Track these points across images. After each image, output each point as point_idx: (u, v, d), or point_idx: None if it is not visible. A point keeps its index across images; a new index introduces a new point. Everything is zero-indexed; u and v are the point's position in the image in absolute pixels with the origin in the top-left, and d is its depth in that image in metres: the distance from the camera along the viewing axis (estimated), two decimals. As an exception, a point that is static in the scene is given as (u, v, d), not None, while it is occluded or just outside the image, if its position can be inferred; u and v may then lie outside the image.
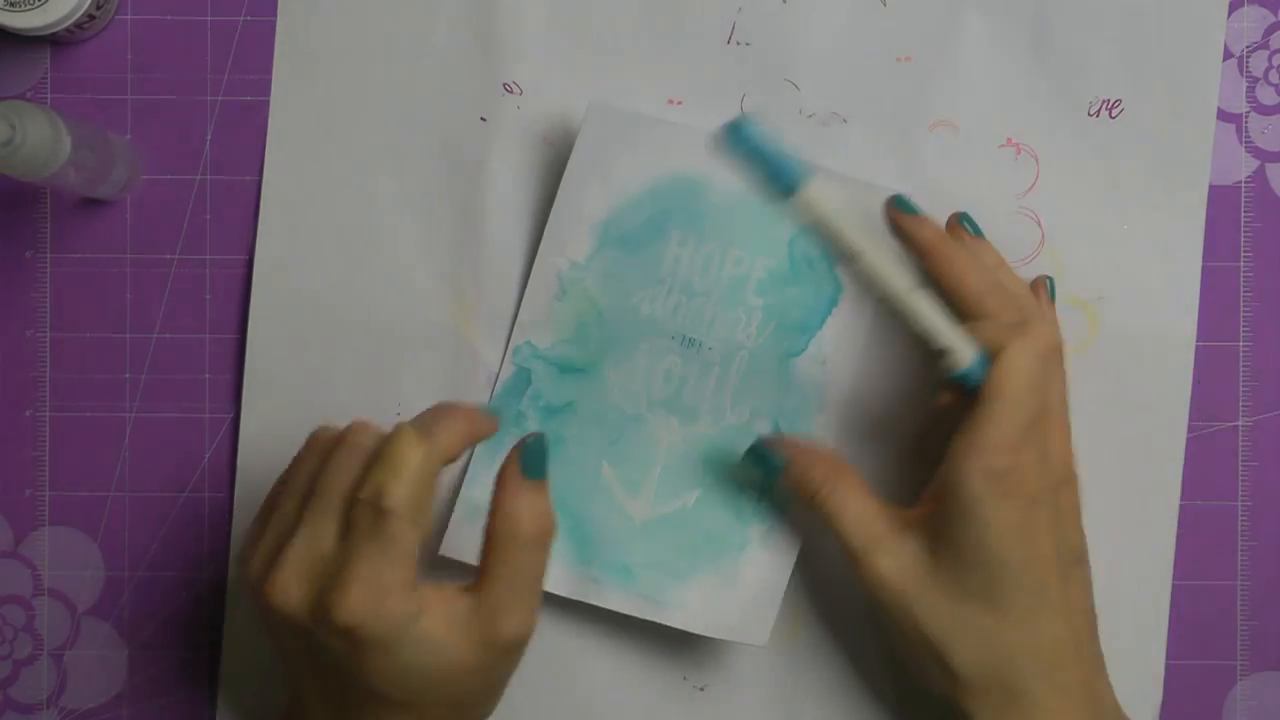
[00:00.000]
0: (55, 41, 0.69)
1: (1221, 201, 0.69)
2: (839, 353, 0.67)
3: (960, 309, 0.63)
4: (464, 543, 0.66)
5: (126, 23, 0.69)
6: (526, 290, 0.67)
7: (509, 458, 0.58)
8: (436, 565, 0.67)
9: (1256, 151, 0.69)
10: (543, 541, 0.57)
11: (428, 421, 0.57)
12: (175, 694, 0.69)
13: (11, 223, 0.69)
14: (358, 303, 0.69)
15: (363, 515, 0.55)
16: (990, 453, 0.59)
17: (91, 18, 0.66)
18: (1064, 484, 0.62)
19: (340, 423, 0.68)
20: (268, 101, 0.69)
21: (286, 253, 0.69)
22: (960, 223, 0.66)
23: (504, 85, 0.69)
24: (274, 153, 0.69)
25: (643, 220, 0.67)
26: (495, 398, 0.67)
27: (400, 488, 0.55)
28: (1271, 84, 0.69)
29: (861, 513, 0.62)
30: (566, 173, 0.67)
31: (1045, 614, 0.60)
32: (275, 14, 0.69)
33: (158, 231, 0.69)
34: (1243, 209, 0.69)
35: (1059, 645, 0.60)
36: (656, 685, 0.68)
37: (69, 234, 0.69)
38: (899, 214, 0.65)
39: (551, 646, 0.68)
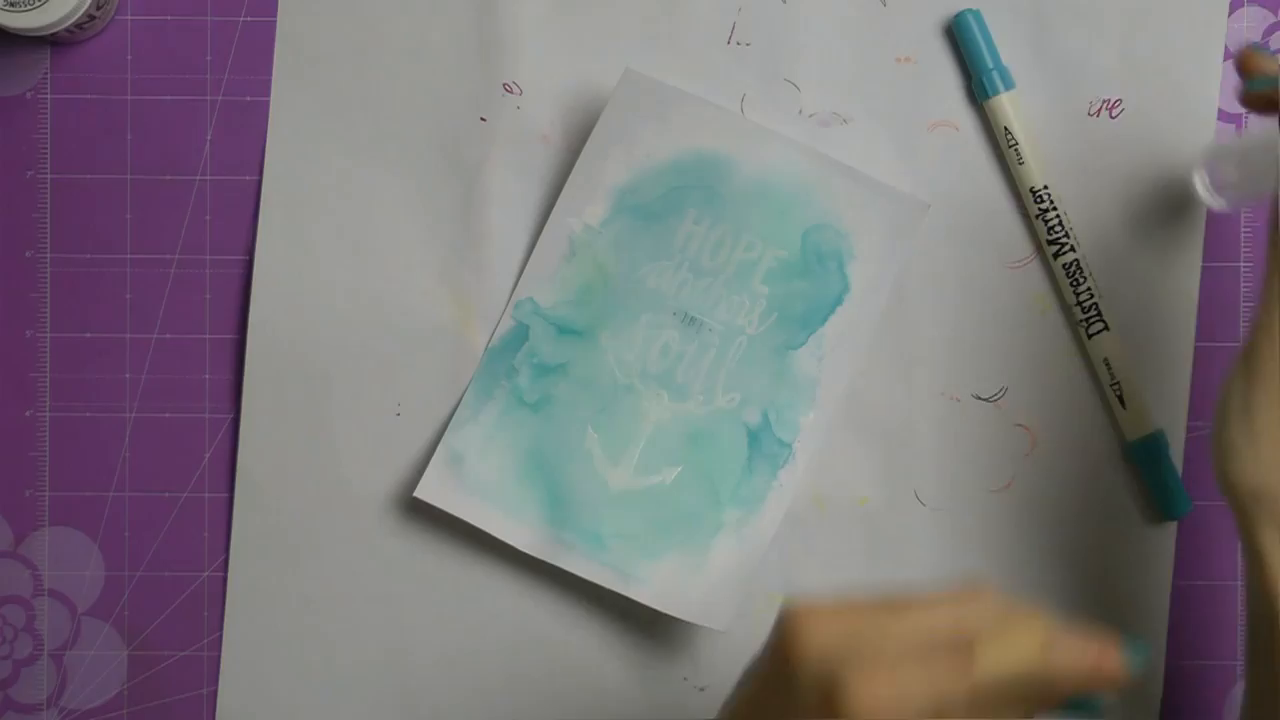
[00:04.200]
0: (55, 41, 0.69)
1: (1221, 201, 0.69)
2: (837, 352, 0.67)
3: None
4: (440, 489, 0.67)
5: (126, 23, 0.69)
6: (536, 246, 0.67)
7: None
8: (410, 508, 0.68)
9: (1256, 151, 0.69)
10: None
11: (1065, 640, 0.50)
12: (175, 694, 0.69)
13: (11, 223, 0.69)
14: (358, 302, 0.69)
15: (949, 645, 0.49)
16: None
17: (91, 18, 0.66)
18: None
19: (339, 422, 0.68)
20: (268, 101, 0.69)
21: (286, 253, 0.69)
22: None
23: (504, 85, 0.69)
24: (274, 153, 0.69)
25: (662, 192, 0.67)
26: (490, 350, 0.67)
27: (994, 657, 0.49)
28: (1271, 84, 0.69)
29: None
30: (593, 134, 0.67)
31: None
32: (275, 14, 0.69)
33: (158, 231, 0.69)
34: (1243, 209, 0.69)
35: None
36: (656, 685, 0.68)
37: (69, 234, 0.69)
38: None
39: (552, 646, 0.68)
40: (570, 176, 0.67)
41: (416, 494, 0.67)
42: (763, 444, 0.67)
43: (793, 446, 0.67)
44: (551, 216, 0.67)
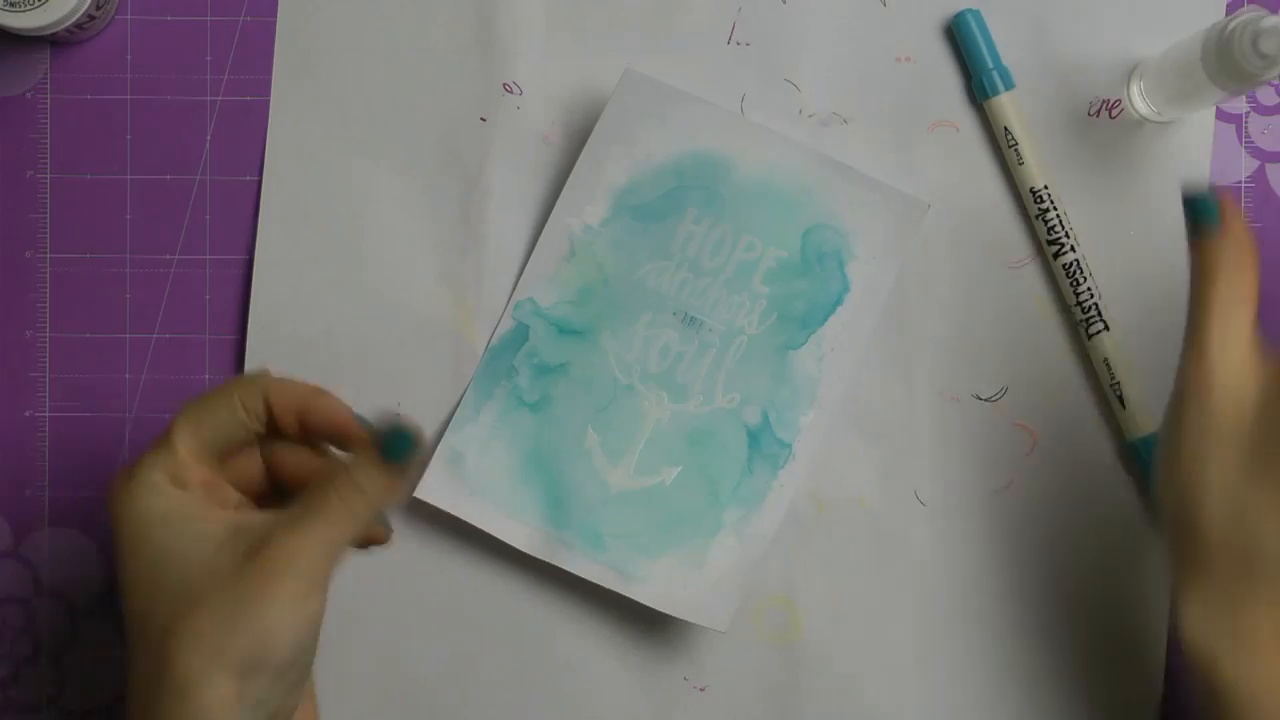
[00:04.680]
0: (55, 41, 0.69)
1: (1221, 201, 0.69)
2: (837, 352, 0.67)
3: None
4: (440, 489, 0.67)
5: (126, 23, 0.69)
6: (536, 247, 0.67)
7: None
8: (410, 509, 0.68)
9: (1256, 151, 0.69)
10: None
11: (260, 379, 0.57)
12: (175, 694, 0.69)
13: (11, 222, 0.69)
14: (358, 303, 0.69)
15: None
16: None
17: (91, 18, 0.66)
18: None
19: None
20: (268, 101, 0.69)
21: (286, 253, 0.69)
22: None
23: (504, 85, 0.69)
24: (274, 153, 0.69)
25: (661, 193, 0.67)
26: (490, 350, 0.68)
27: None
28: (1272, 84, 0.69)
29: (1238, 321, 0.57)
30: (593, 134, 0.67)
31: None
32: (275, 14, 0.69)
33: (158, 231, 0.69)
34: (1243, 209, 0.69)
35: None
36: (656, 685, 0.68)
37: (69, 234, 0.69)
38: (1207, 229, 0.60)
39: (551, 646, 0.68)
40: (570, 177, 0.67)
41: (416, 494, 0.67)
42: (763, 444, 0.67)
43: (793, 446, 0.67)
44: (552, 216, 0.67)
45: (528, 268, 0.68)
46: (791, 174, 0.67)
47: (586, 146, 0.67)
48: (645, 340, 0.67)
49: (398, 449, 0.55)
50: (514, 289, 0.68)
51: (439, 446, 0.67)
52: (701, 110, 0.67)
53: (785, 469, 0.67)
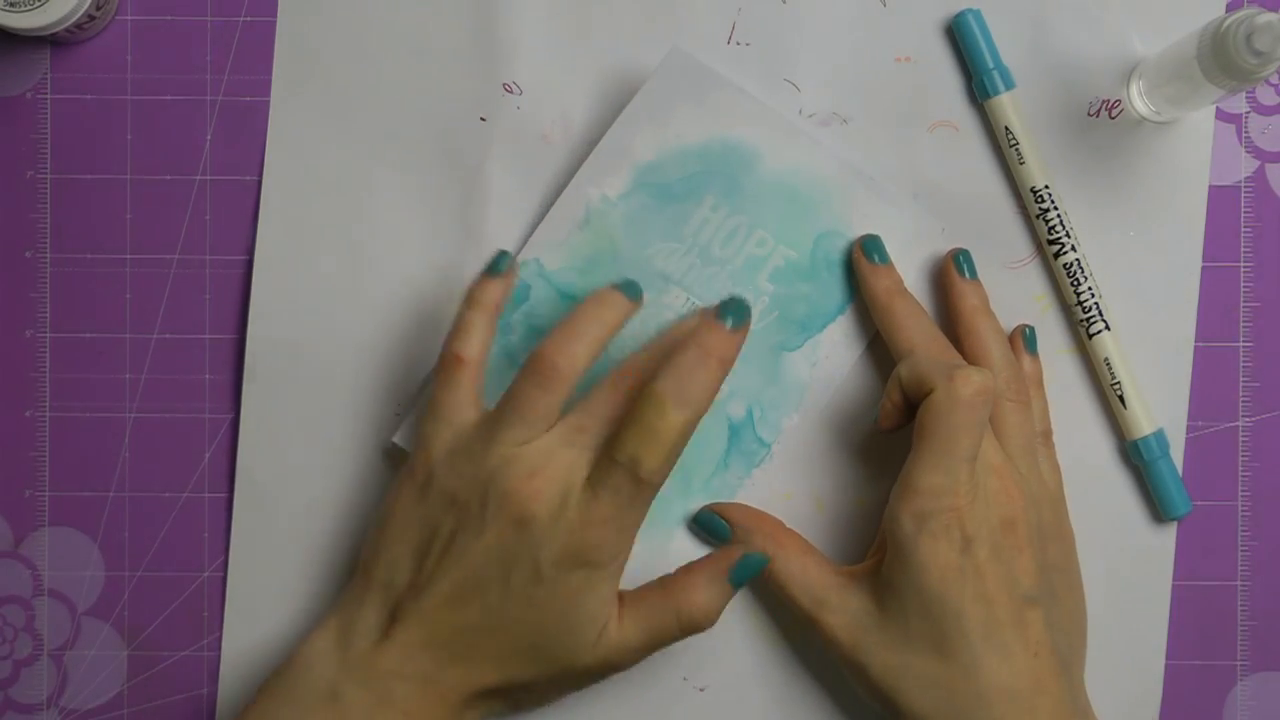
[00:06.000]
0: (55, 41, 0.69)
1: (1221, 201, 0.69)
2: (830, 361, 0.67)
3: (898, 358, 0.65)
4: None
5: (126, 23, 0.69)
6: (551, 210, 0.67)
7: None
8: (388, 454, 0.68)
9: (1256, 151, 0.69)
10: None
11: (681, 381, 0.58)
12: (175, 694, 0.69)
13: (11, 223, 0.69)
14: (357, 303, 0.69)
15: (617, 475, 0.58)
16: (917, 495, 0.60)
17: (91, 18, 0.66)
18: (1007, 526, 0.61)
19: (339, 422, 0.68)
20: (268, 101, 0.69)
21: (286, 253, 0.69)
22: (954, 262, 0.67)
23: (504, 85, 0.69)
24: (274, 153, 0.69)
25: (684, 175, 0.67)
26: None
27: (656, 460, 0.58)
28: (1271, 84, 0.69)
29: (805, 575, 0.63)
30: (628, 107, 0.67)
31: (994, 657, 0.60)
32: (275, 14, 0.69)
33: (158, 231, 0.69)
34: (1243, 209, 0.69)
35: (1012, 689, 0.60)
36: (656, 685, 0.68)
37: (69, 234, 0.69)
38: (861, 258, 0.66)
39: (551, 646, 0.68)
40: (598, 145, 0.67)
41: (396, 439, 0.67)
42: (742, 440, 0.67)
43: (771, 447, 0.67)
44: (571, 183, 0.67)
45: (539, 229, 0.67)
46: (816, 177, 0.67)
47: (620, 118, 0.67)
48: (644, 319, 0.67)
49: (742, 576, 0.62)
50: (521, 248, 0.68)
51: (423, 395, 0.67)
52: (739, 99, 0.67)
53: (760, 469, 0.67)
